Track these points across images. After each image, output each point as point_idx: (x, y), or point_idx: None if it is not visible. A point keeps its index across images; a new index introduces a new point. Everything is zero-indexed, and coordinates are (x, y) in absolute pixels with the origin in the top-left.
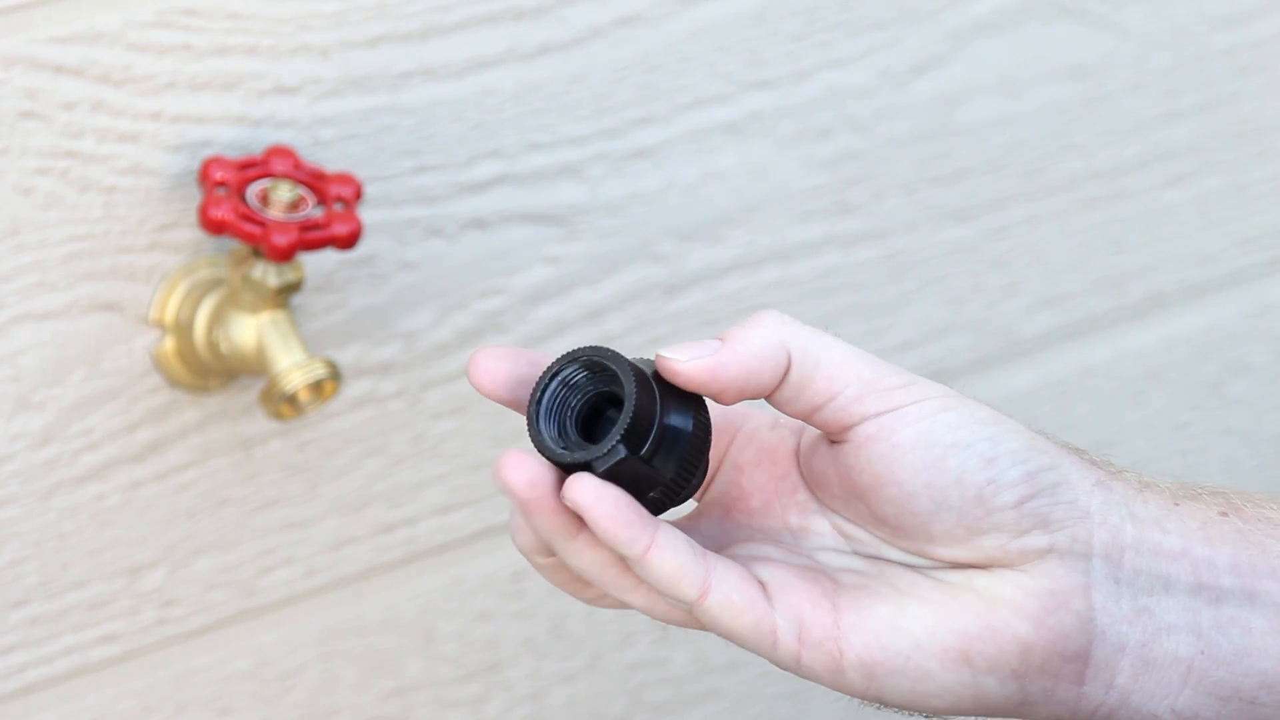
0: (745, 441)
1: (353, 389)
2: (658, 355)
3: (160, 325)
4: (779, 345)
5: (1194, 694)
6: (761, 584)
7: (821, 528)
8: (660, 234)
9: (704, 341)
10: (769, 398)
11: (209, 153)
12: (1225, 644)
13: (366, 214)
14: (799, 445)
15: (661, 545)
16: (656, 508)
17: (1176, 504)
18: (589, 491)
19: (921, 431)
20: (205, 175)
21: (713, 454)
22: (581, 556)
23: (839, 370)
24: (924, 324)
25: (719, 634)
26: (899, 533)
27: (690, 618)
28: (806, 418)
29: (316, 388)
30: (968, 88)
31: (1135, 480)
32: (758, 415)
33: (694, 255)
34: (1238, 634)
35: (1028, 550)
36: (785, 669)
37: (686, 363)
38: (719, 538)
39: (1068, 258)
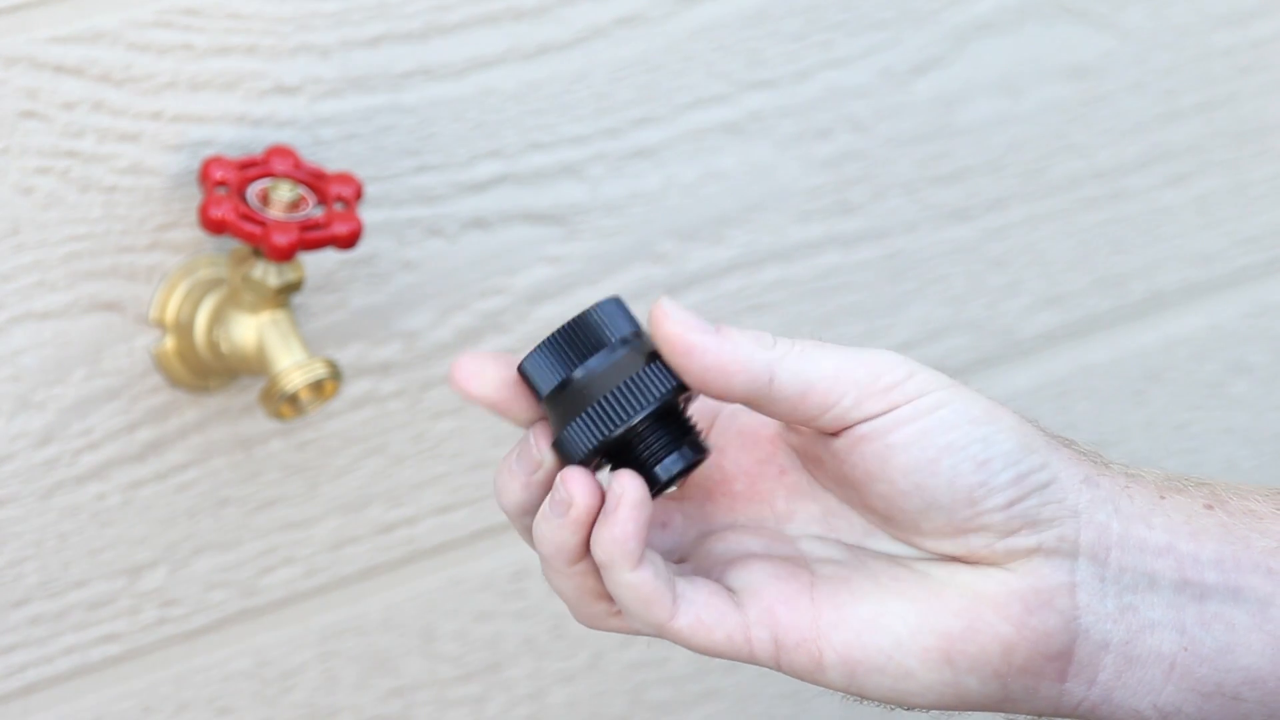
0: (726, 424)
1: (353, 389)
2: (660, 300)
3: (160, 325)
4: (764, 366)
5: (1176, 690)
6: (733, 591)
7: (809, 511)
8: (660, 234)
9: (705, 322)
10: (768, 411)
11: (209, 152)
12: (1209, 640)
13: (367, 214)
14: (784, 428)
15: (647, 567)
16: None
17: (1162, 497)
18: (638, 488)
19: (915, 432)
20: (205, 175)
21: None
22: (569, 581)
23: (833, 383)
24: (924, 324)
25: (693, 650)
26: (889, 523)
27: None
28: (807, 424)
29: (317, 387)
30: (968, 88)
31: (1122, 473)
32: None
33: (694, 255)
34: (1221, 630)
35: (1014, 550)
36: (765, 668)
37: (675, 320)
38: (700, 521)
39: (1068, 258)
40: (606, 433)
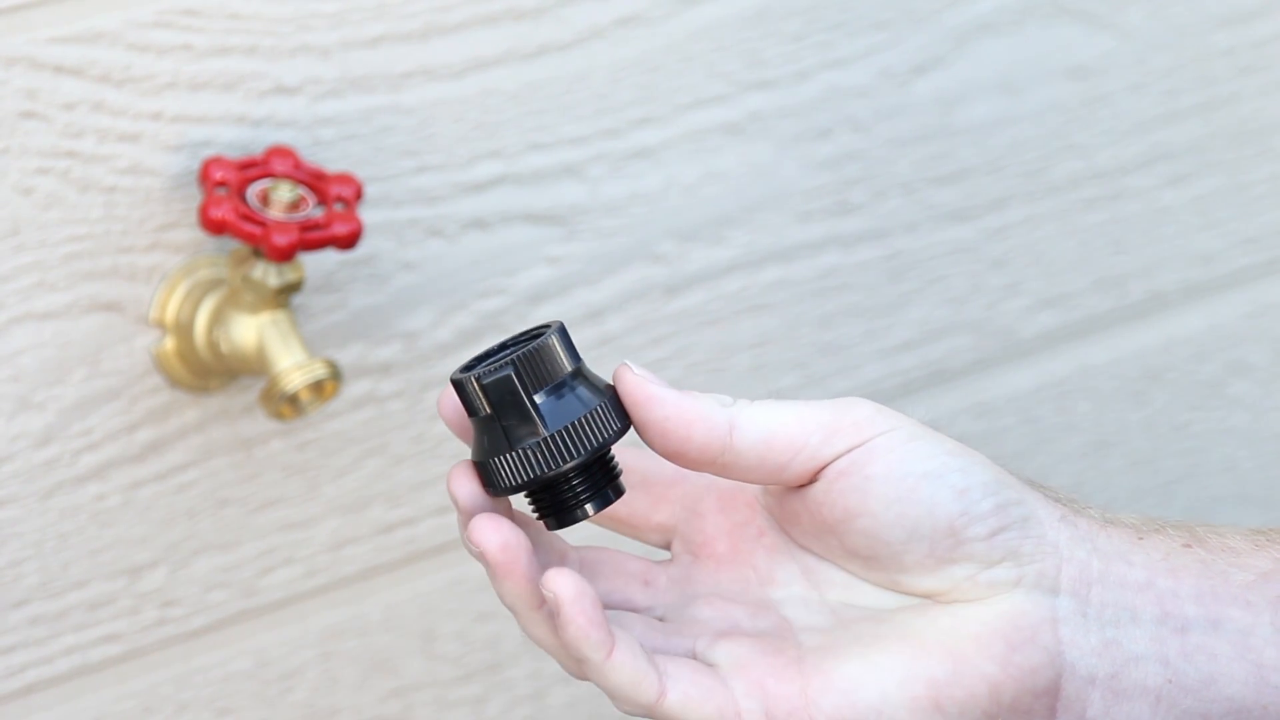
0: (703, 490)
1: (353, 389)
2: (623, 362)
3: (160, 325)
4: (724, 419)
5: None
6: (714, 666)
7: (789, 570)
8: (660, 234)
9: (666, 381)
10: (733, 470)
11: (209, 153)
12: (1192, 672)
13: (367, 214)
14: (760, 490)
15: (621, 650)
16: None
17: (1141, 538)
18: (570, 586)
19: (893, 462)
20: (205, 175)
21: (669, 501)
22: (539, 629)
23: (798, 427)
24: (924, 324)
25: None
26: (870, 564)
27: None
28: (776, 477)
29: (317, 388)
30: (968, 88)
31: (1099, 516)
32: None
33: (694, 255)
34: (1204, 661)
35: (996, 583)
36: None
37: (636, 375)
38: (685, 583)
39: (1068, 258)
40: (539, 474)
